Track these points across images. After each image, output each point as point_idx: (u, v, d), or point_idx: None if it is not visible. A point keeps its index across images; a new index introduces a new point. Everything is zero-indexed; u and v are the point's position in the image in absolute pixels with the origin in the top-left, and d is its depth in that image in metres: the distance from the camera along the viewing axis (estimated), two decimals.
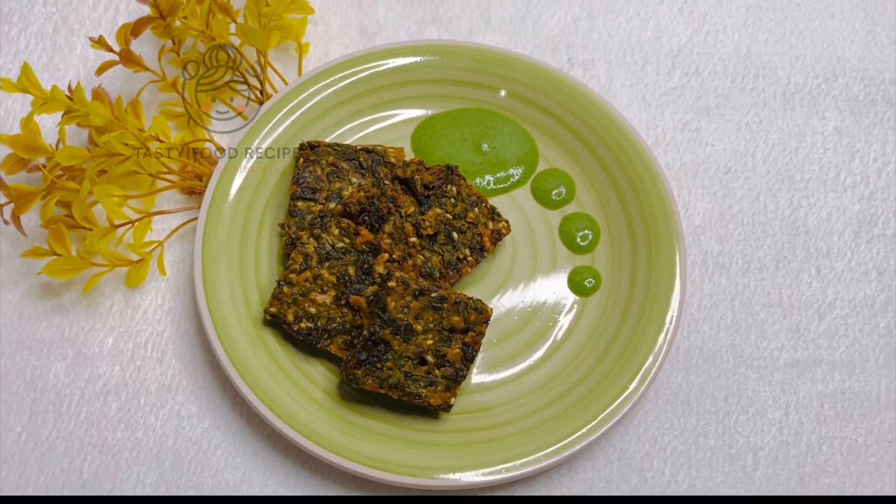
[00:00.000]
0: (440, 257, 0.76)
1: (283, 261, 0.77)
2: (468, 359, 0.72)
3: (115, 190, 0.75)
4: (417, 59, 0.82)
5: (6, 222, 0.76)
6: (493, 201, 0.80)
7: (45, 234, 0.77)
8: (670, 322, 0.75)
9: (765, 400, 0.77)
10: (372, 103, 0.82)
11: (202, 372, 0.76)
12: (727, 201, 0.83)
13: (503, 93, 0.82)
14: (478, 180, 0.81)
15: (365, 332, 0.71)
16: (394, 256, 0.74)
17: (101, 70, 0.79)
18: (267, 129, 0.79)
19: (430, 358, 0.71)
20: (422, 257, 0.75)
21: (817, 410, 0.77)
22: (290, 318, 0.73)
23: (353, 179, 0.78)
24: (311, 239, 0.74)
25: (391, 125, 0.83)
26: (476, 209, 0.77)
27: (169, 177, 0.79)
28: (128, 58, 0.79)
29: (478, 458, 0.71)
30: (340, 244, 0.74)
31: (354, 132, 0.82)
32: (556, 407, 0.73)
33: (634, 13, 0.90)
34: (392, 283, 0.71)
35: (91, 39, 0.79)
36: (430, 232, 0.76)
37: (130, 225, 0.77)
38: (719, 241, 0.82)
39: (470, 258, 0.76)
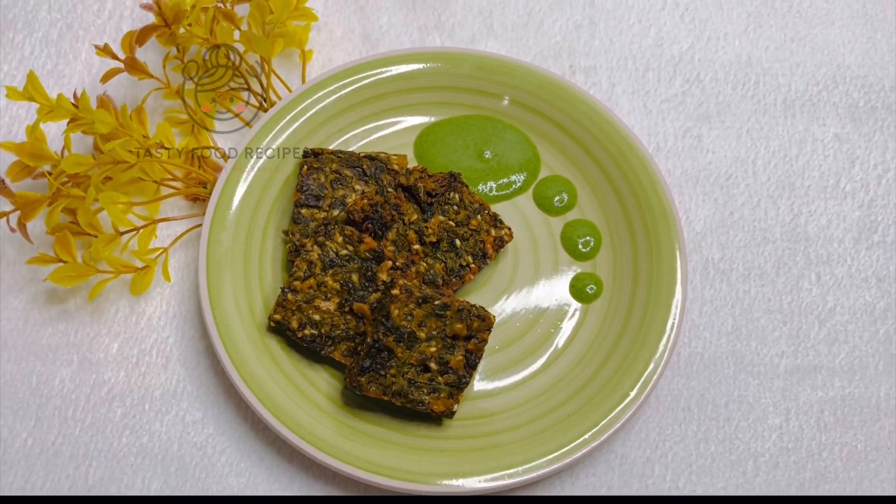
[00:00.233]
0: (443, 264, 0.76)
1: (287, 268, 0.77)
2: (471, 366, 0.72)
3: (120, 197, 0.75)
4: (420, 66, 0.83)
5: (12, 229, 0.77)
6: (496, 208, 0.81)
7: (50, 241, 0.78)
8: (671, 328, 0.75)
9: (765, 406, 0.77)
10: (375, 110, 0.83)
11: (207, 378, 0.77)
12: (728, 208, 0.84)
13: (506, 100, 0.83)
14: (480, 187, 0.82)
15: (368, 340, 0.72)
16: (397, 264, 0.75)
17: (106, 77, 0.79)
18: (270, 135, 0.80)
19: (433, 365, 0.72)
20: (425, 264, 0.76)
21: (817, 417, 0.78)
22: (294, 324, 0.73)
23: (357, 187, 0.78)
24: (315, 246, 0.75)
25: (394, 132, 0.83)
26: (479, 216, 0.78)
27: (173, 184, 0.80)
28: (133, 65, 0.80)
29: (480, 465, 0.71)
30: (344, 251, 0.75)
31: (358, 139, 0.82)
32: (558, 413, 0.74)
33: (636, 20, 0.90)
34: (396, 291, 0.71)
35: (96, 47, 0.79)
36: (433, 239, 0.76)
37: (135, 232, 0.77)
38: (720, 248, 0.82)
39: (472, 265, 0.77)
